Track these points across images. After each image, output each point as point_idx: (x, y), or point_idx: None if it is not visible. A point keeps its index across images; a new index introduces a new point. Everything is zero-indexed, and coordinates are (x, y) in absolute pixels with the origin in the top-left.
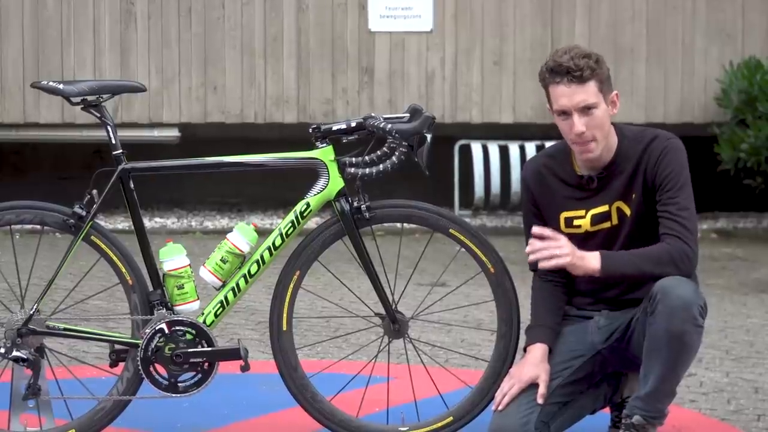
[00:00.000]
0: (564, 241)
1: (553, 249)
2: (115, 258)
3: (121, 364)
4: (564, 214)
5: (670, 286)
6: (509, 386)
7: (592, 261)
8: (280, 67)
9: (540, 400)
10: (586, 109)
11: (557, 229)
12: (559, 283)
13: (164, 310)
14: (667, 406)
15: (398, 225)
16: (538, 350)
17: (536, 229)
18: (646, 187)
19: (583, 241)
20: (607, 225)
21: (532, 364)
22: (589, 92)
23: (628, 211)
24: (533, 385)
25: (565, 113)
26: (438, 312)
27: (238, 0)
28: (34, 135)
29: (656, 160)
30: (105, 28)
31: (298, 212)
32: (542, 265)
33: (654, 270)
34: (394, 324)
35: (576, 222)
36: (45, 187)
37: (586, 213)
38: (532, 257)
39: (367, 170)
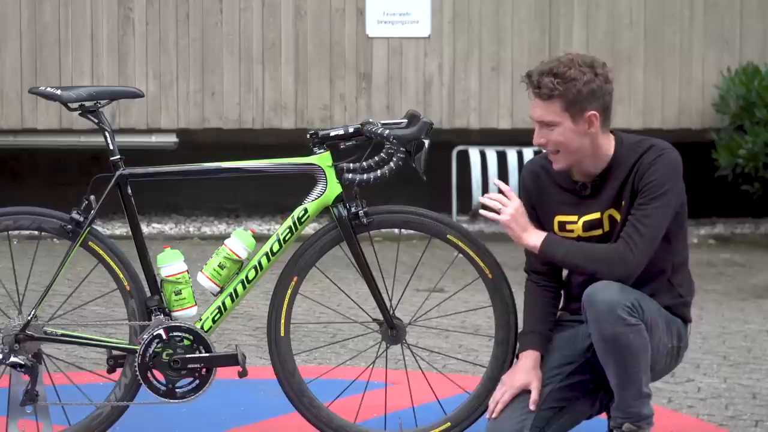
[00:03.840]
0: (515, 204)
1: (500, 205)
2: (112, 264)
3: (119, 370)
4: (558, 218)
5: (594, 292)
6: (501, 393)
7: (533, 238)
8: (278, 73)
9: (532, 407)
10: (545, 124)
11: (551, 231)
12: (551, 288)
13: (162, 316)
14: (644, 407)
15: (396, 231)
16: (530, 357)
17: (497, 181)
18: (633, 194)
19: None
20: (598, 232)
21: (524, 371)
22: (549, 110)
23: (619, 218)
24: (526, 392)
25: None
26: (436, 318)
27: (236, 6)
28: (32, 141)
29: (645, 168)
30: (103, 33)
31: (295, 218)
32: (482, 213)
33: (585, 265)
34: (392, 330)
35: (569, 227)
36: (43, 193)
37: (579, 219)
38: (481, 199)
39: (365, 176)
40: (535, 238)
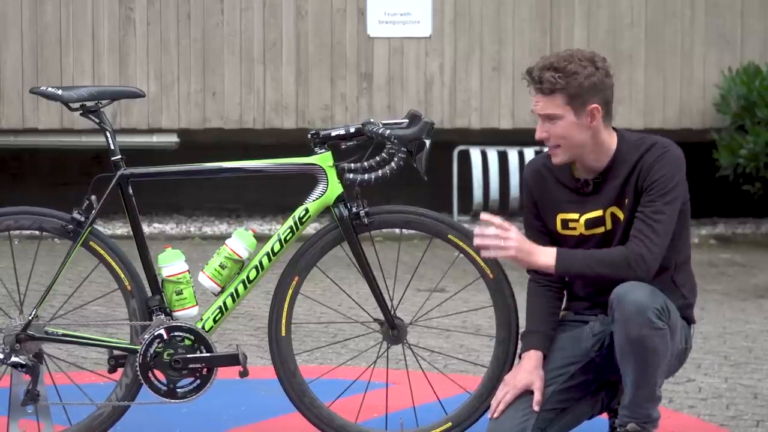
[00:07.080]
0: (513, 232)
1: (500, 240)
2: (113, 264)
3: (120, 370)
4: (560, 216)
5: (624, 292)
6: (504, 393)
7: (543, 257)
8: (279, 73)
9: (536, 408)
10: (548, 118)
11: (554, 230)
12: (554, 288)
13: (163, 316)
14: (654, 409)
15: (397, 230)
16: (533, 357)
17: (484, 215)
18: (637, 192)
19: (577, 244)
20: (601, 230)
21: (527, 371)
22: (551, 104)
23: (621, 216)
24: (528, 392)
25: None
26: (437, 318)
27: (237, 6)
28: (33, 141)
29: (650, 166)
30: (104, 33)
31: (296, 218)
32: (484, 254)
33: (608, 272)
34: (393, 330)
35: (571, 224)
36: (44, 193)
37: (580, 217)
38: (476, 242)
39: (366, 176)
40: (546, 257)
